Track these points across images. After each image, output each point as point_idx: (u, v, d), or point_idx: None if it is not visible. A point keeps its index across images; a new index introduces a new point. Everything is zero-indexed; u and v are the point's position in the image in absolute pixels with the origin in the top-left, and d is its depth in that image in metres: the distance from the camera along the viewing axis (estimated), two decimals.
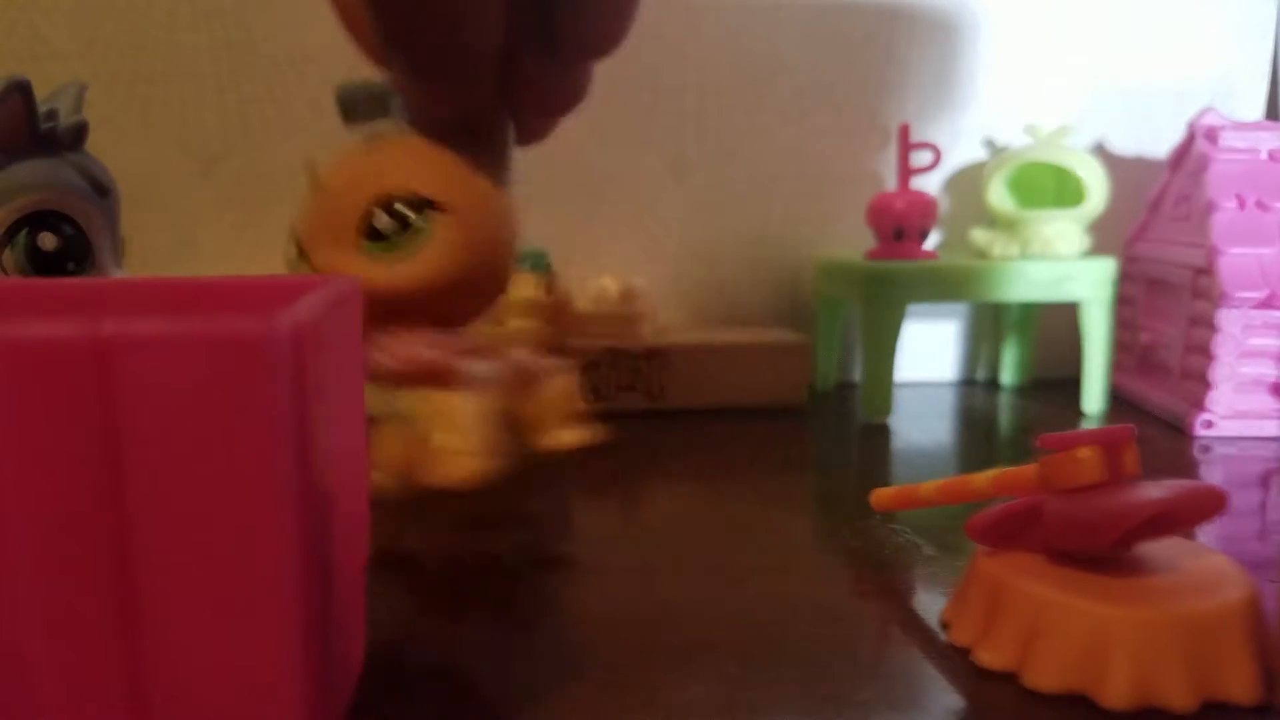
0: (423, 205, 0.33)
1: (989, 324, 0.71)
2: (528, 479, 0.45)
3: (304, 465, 0.17)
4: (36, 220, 0.36)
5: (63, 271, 0.36)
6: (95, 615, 0.17)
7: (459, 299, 0.33)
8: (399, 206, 0.33)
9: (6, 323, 0.16)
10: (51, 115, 0.37)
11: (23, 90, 0.35)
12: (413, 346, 0.33)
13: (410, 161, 0.33)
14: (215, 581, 0.17)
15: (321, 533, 0.18)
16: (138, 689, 0.17)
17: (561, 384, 0.41)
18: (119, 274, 0.39)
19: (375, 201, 0.32)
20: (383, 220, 0.33)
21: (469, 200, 0.34)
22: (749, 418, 0.58)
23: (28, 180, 0.35)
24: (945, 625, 0.29)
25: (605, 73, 0.65)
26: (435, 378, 0.33)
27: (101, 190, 0.38)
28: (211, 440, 0.16)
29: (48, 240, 0.36)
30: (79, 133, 0.38)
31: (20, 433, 0.16)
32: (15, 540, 0.16)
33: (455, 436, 0.33)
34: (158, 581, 0.17)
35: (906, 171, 0.59)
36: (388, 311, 0.32)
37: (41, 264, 0.36)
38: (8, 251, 0.35)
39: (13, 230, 0.35)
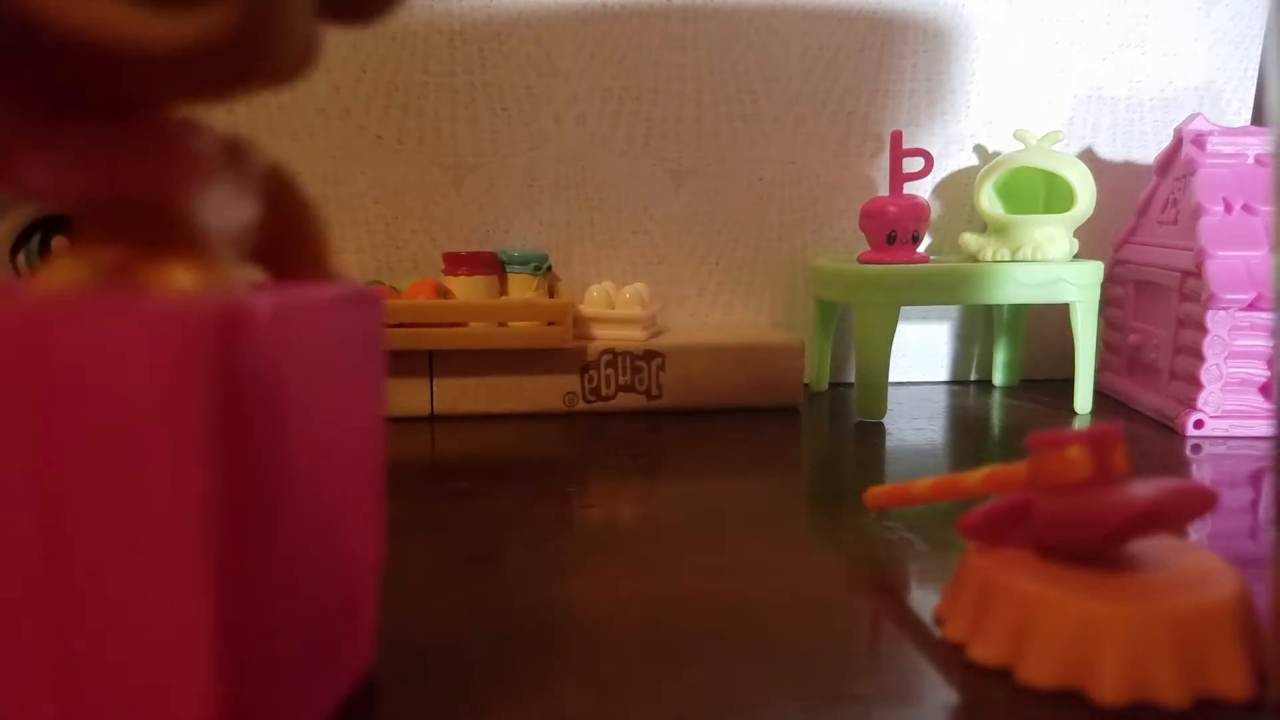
0: None
1: (980, 326, 0.72)
2: (522, 477, 0.45)
3: (235, 460, 0.17)
4: (49, 224, 0.36)
5: None
6: (20, 599, 0.17)
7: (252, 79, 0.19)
8: None
9: None
10: None
11: None
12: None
13: None
14: (130, 571, 0.17)
15: (260, 527, 0.18)
16: (62, 672, 0.17)
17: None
18: None
19: None
20: None
21: None
22: (745, 418, 0.59)
23: None
24: (938, 621, 0.30)
25: (606, 81, 0.66)
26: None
27: None
28: (136, 426, 0.16)
29: (60, 243, 0.36)
30: None
31: None
32: None
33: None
34: (81, 562, 0.17)
35: (899, 177, 0.59)
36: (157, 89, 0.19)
37: None
38: (22, 254, 0.36)
39: (27, 234, 0.36)
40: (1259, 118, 0.69)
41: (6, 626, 0.17)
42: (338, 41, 0.63)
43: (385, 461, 0.25)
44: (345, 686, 0.24)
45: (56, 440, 0.16)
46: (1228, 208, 0.55)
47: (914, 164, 0.59)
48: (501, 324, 0.57)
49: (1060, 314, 0.62)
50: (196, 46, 0.17)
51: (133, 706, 0.17)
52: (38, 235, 0.36)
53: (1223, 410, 0.54)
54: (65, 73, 0.17)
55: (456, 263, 0.59)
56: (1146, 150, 0.70)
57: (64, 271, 0.20)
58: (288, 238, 0.25)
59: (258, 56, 0.18)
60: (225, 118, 0.63)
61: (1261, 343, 0.53)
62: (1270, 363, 0.54)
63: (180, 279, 0.19)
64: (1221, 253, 0.53)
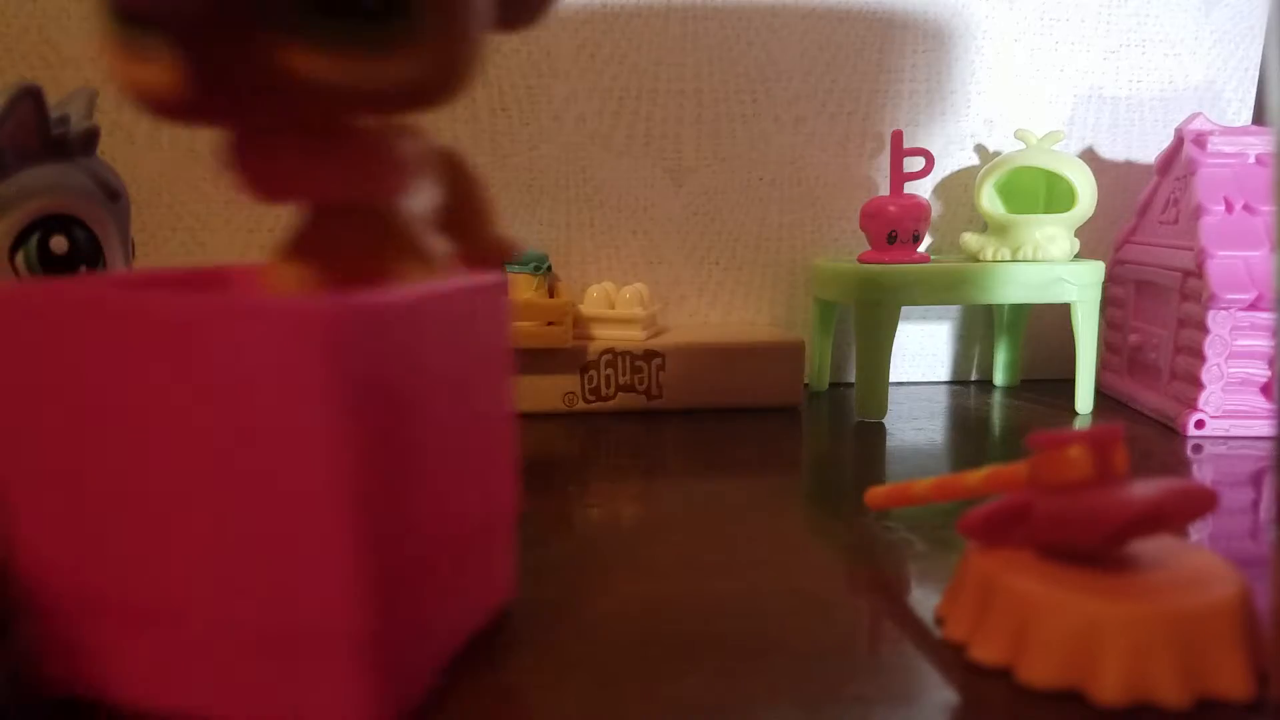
0: None
1: (981, 326, 0.72)
2: (522, 476, 0.45)
3: (365, 417, 0.21)
4: (48, 224, 0.36)
5: (74, 274, 0.37)
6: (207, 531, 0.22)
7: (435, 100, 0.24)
8: None
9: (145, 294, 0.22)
10: (63, 121, 0.37)
11: (34, 96, 0.35)
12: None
13: None
14: (296, 504, 0.21)
15: (388, 477, 0.22)
16: (239, 583, 0.22)
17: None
18: None
19: None
20: None
21: None
22: (745, 417, 0.59)
23: (39, 185, 0.36)
24: (939, 621, 0.30)
25: (606, 80, 0.66)
26: None
27: (112, 194, 0.38)
28: (285, 398, 0.20)
29: (59, 243, 0.36)
30: (90, 138, 0.38)
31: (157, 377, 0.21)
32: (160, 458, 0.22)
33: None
34: (253, 501, 0.21)
35: (899, 177, 0.59)
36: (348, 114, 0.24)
37: (53, 267, 0.36)
38: (20, 254, 0.36)
39: (25, 234, 0.36)
40: (1260, 117, 0.69)
41: (202, 558, 0.22)
42: None
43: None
44: (486, 614, 0.29)
45: (231, 408, 0.21)
46: (1228, 207, 0.55)
47: (914, 164, 0.59)
48: None
49: (1061, 314, 0.62)
50: (402, 87, 0.22)
51: (298, 610, 0.22)
52: (36, 235, 0.36)
53: (1223, 410, 0.54)
54: (312, 107, 0.23)
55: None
56: (1147, 150, 0.70)
57: (294, 270, 0.26)
58: (463, 209, 0.30)
59: (445, 90, 0.23)
60: None
61: (1262, 342, 0.53)
62: (1271, 362, 0.54)
63: (409, 272, 0.26)
64: (1222, 252, 0.53)
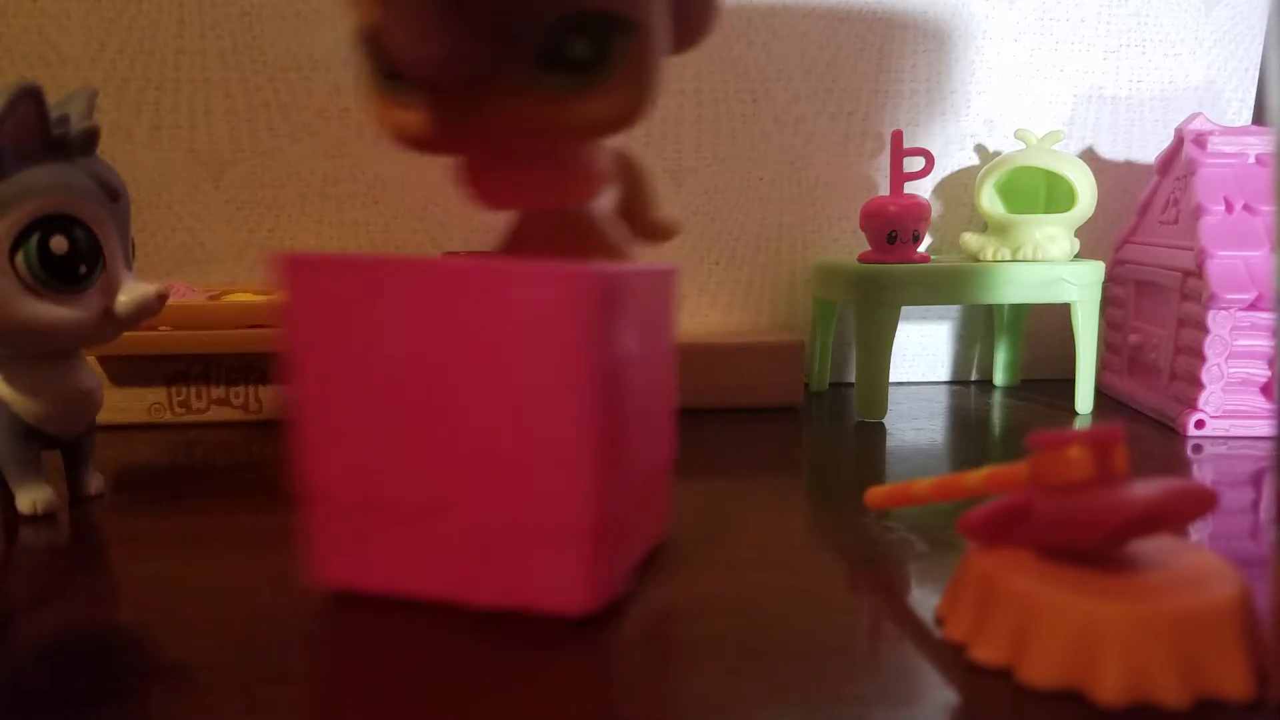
0: (613, 25, 0.28)
1: (981, 326, 0.72)
2: None
3: (606, 360, 0.27)
4: (48, 224, 0.36)
5: (74, 274, 0.37)
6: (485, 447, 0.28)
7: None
8: (592, 28, 0.28)
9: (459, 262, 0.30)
10: (63, 121, 0.37)
11: (34, 96, 0.35)
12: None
13: None
14: (555, 422, 0.27)
15: (615, 410, 0.28)
16: (502, 479, 0.28)
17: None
18: (129, 276, 0.39)
19: (560, 20, 0.27)
20: (578, 46, 0.28)
21: (650, 10, 0.29)
22: (745, 418, 0.59)
23: (39, 184, 0.36)
24: (939, 621, 0.29)
25: None
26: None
27: (112, 194, 0.38)
28: (573, 339, 0.27)
29: (59, 243, 0.36)
30: (90, 138, 0.38)
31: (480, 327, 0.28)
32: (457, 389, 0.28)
33: None
34: (523, 421, 0.28)
35: (899, 177, 0.59)
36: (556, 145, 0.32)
37: (53, 266, 0.36)
38: (20, 254, 0.36)
39: (25, 233, 0.36)
40: (1259, 117, 0.69)
41: (471, 465, 0.29)
42: (337, 41, 0.63)
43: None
44: (652, 540, 0.36)
45: (506, 347, 0.27)
46: (1228, 207, 0.55)
47: (914, 163, 0.59)
48: None
49: (1061, 313, 0.62)
50: (601, 119, 0.30)
51: (544, 509, 0.28)
52: (36, 235, 0.36)
53: (1223, 410, 0.54)
54: (531, 138, 0.30)
55: None
56: (1147, 150, 0.70)
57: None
58: (636, 199, 0.38)
59: (634, 118, 0.31)
60: (225, 115, 0.63)
61: (1262, 342, 0.53)
62: (1271, 362, 0.54)
63: (603, 257, 0.34)
64: (1222, 252, 0.53)
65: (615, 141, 0.36)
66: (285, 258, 0.29)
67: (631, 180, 0.38)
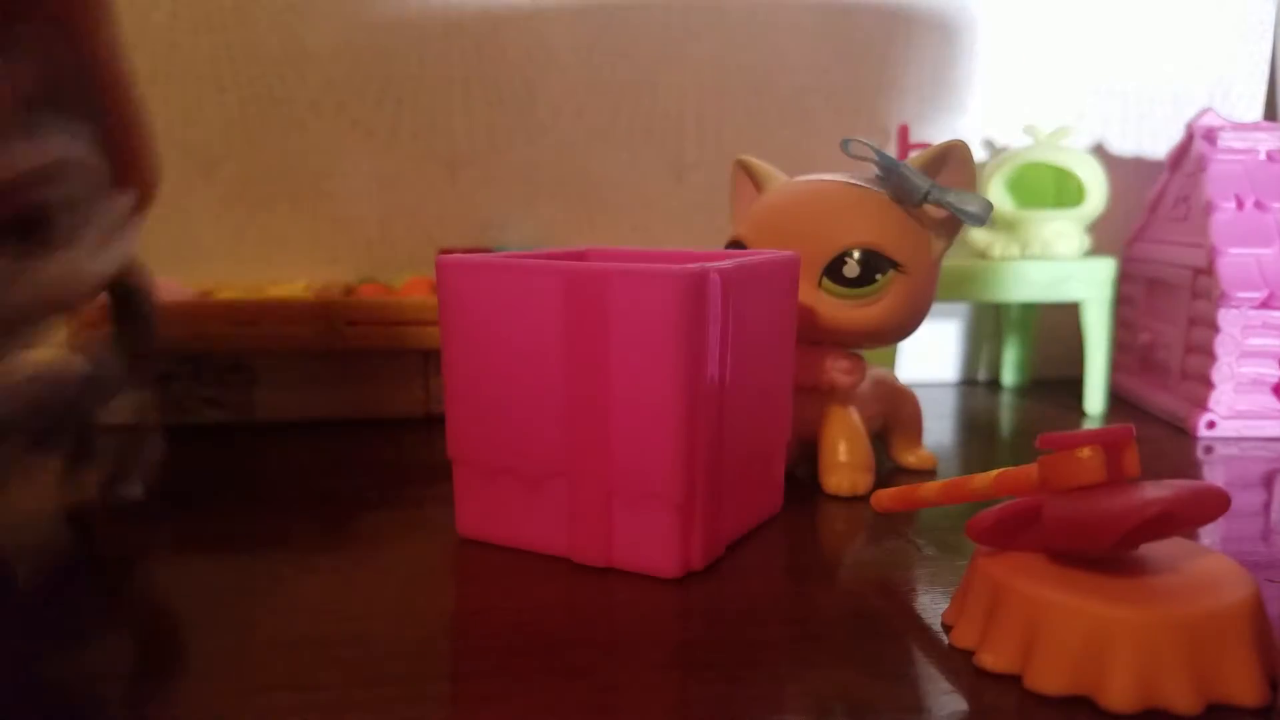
0: (889, 264, 0.39)
1: (990, 324, 0.71)
2: None
3: (695, 348, 0.31)
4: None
5: None
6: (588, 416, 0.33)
7: (881, 340, 0.42)
8: (870, 260, 0.39)
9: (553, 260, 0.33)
10: None
11: None
12: (854, 365, 0.42)
13: (879, 219, 0.40)
14: (649, 404, 0.31)
15: (705, 392, 0.32)
16: (606, 452, 0.33)
17: (914, 404, 0.48)
18: None
19: (847, 250, 0.39)
20: (853, 269, 0.39)
21: (921, 266, 0.40)
22: None
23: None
24: (947, 627, 0.29)
25: (607, 74, 0.65)
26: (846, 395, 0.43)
27: None
28: (660, 331, 0.31)
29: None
30: None
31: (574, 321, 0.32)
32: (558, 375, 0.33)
33: (847, 450, 0.42)
34: (623, 401, 0.32)
35: None
36: (830, 339, 0.41)
37: None
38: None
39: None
40: (1271, 113, 0.69)
41: (585, 437, 0.33)
42: (330, 34, 0.63)
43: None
44: (761, 515, 0.39)
45: (615, 336, 0.32)
46: (1239, 204, 0.54)
47: None
48: None
49: (1072, 311, 0.61)
50: (874, 326, 0.41)
51: (645, 478, 0.32)
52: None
53: (1235, 411, 0.54)
54: (826, 335, 0.42)
55: None
56: (1158, 145, 0.69)
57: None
58: (901, 434, 0.48)
59: (902, 332, 0.43)
60: (220, 111, 0.63)
61: (1274, 341, 0.53)
62: None
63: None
64: (1233, 250, 0.53)
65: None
66: (437, 259, 0.35)
67: (904, 413, 0.47)
